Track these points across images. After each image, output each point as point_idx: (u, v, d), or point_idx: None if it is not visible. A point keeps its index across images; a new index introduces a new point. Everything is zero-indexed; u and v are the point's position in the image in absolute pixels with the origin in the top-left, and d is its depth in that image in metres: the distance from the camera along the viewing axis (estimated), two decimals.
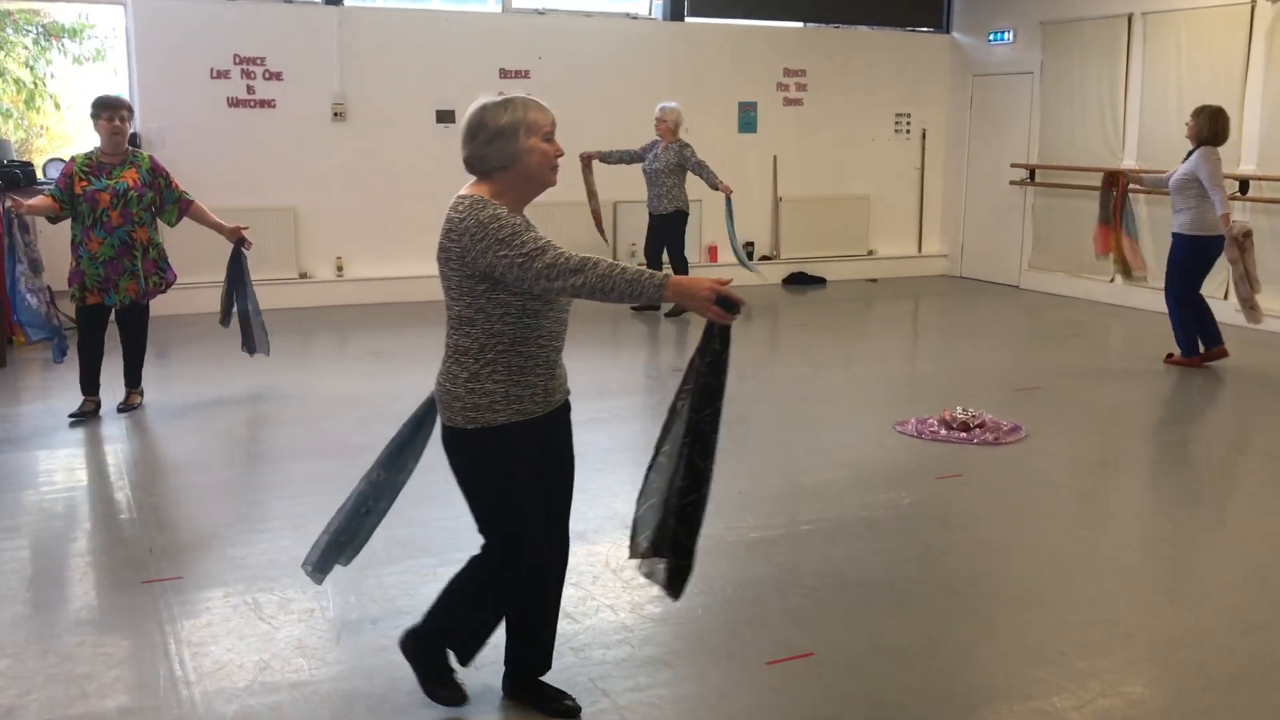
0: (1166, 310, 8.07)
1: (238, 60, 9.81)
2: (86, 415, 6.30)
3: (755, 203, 11.95)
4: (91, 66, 12.74)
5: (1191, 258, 7.78)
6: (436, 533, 4.67)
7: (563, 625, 3.83)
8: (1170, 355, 8.16)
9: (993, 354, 8.79)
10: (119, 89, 10.33)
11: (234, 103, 9.82)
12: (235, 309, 6.94)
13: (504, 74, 10.71)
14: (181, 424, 6.36)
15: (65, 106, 13.08)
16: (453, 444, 3.09)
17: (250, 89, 9.85)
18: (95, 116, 6.17)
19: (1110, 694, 3.44)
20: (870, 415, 6.72)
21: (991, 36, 12.09)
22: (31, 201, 6.07)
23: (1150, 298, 10.42)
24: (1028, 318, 10.50)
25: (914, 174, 12.72)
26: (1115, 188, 8.30)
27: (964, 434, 6.18)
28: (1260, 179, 9.34)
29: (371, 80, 10.25)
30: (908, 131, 12.60)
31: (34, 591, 4.15)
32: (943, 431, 6.24)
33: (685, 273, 9.41)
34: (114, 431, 6.19)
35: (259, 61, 9.89)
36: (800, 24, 12.10)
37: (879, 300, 11.31)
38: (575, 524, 4.75)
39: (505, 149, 2.97)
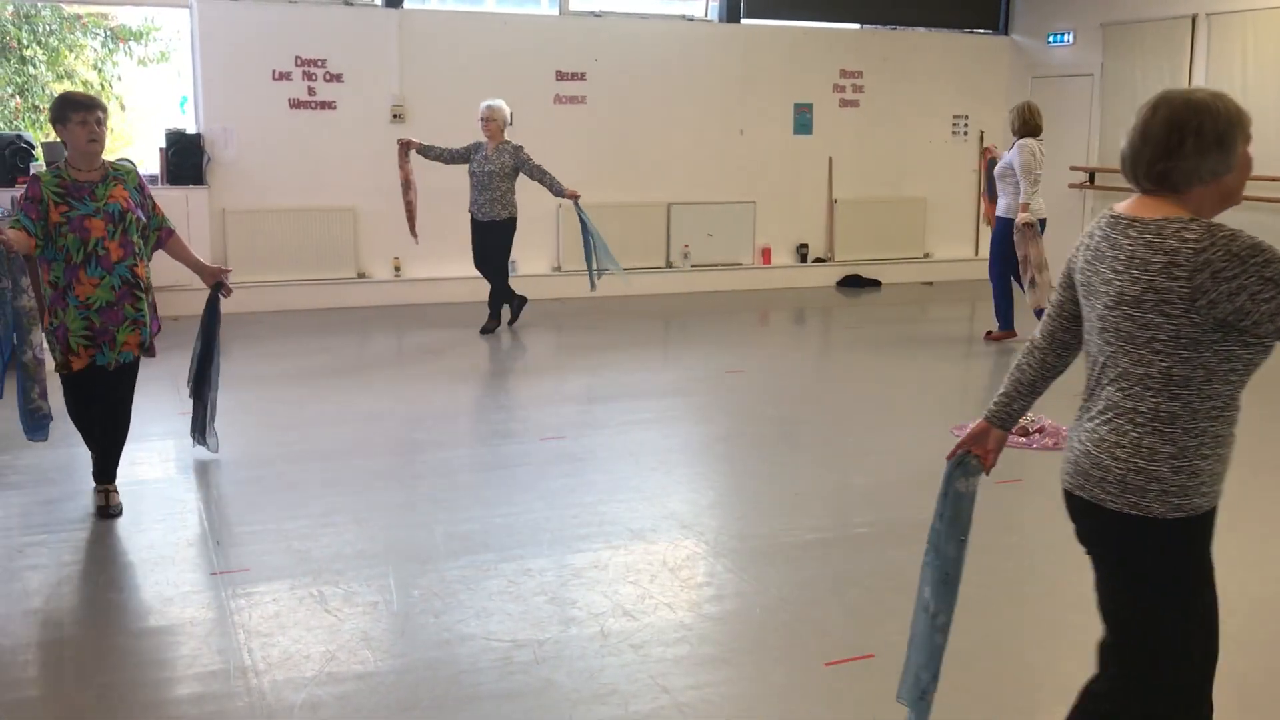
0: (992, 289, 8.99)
1: (299, 62, 9.96)
2: (117, 506, 4.90)
3: (810, 204, 11.92)
4: (156, 68, 13.00)
5: (1006, 238, 8.63)
6: (495, 529, 4.73)
7: (622, 622, 3.88)
8: (989, 333, 9.08)
9: None
10: (183, 90, 10.54)
11: (295, 104, 9.96)
12: (200, 377, 5.50)
13: (560, 76, 10.78)
14: (240, 421, 6.47)
15: (129, 108, 13.35)
16: (1143, 538, 2.42)
17: (311, 90, 9.99)
18: (63, 119, 4.61)
19: None
20: (928, 419, 6.70)
21: (1051, 38, 11.97)
22: (8, 233, 4.46)
23: None
24: None
25: (971, 176, 12.62)
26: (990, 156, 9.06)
27: (1023, 439, 6.13)
28: None
29: (430, 82, 10.36)
30: (965, 133, 12.51)
31: (106, 581, 4.26)
32: None
33: (505, 285, 9.05)
34: (174, 428, 6.32)
35: (320, 64, 10.03)
36: (857, 25, 12.05)
37: (934, 303, 11.24)
38: (632, 522, 4.83)
39: (1225, 159, 2.34)
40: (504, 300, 9.16)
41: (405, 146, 8.83)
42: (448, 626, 3.84)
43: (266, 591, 4.11)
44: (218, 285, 5.27)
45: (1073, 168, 11.69)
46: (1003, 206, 8.67)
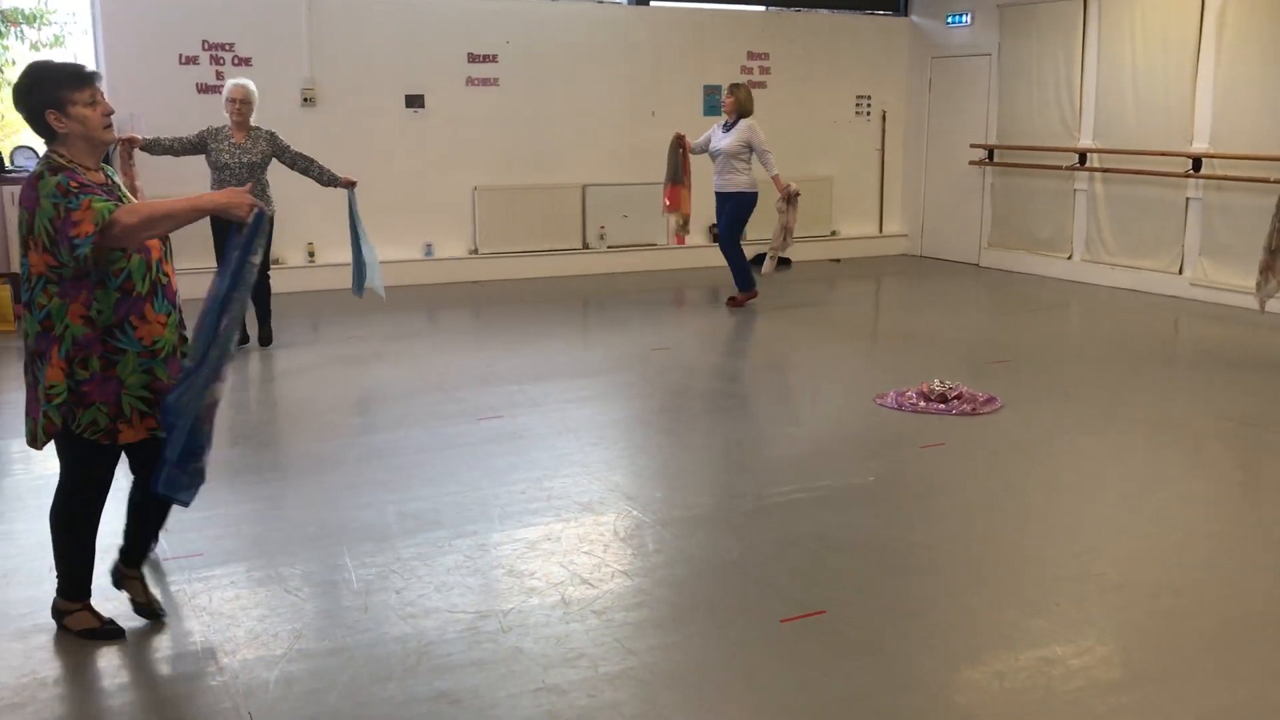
0: (726, 260, 9.56)
1: (207, 46, 9.79)
2: (152, 613, 3.80)
3: None
4: (50, 53, 12.59)
5: (747, 211, 9.41)
6: (446, 507, 4.80)
7: (582, 590, 3.99)
8: (732, 299, 9.59)
9: (960, 329, 9.04)
10: None
11: (203, 89, 9.79)
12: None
13: (473, 58, 10.77)
14: None
15: None
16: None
17: (219, 75, 9.81)
18: (59, 102, 3.38)
19: (1107, 641, 3.65)
20: (850, 390, 6.93)
21: (950, 19, 12.33)
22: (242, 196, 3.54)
23: (1105, 273, 10.75)
24: (990, 294, 10.78)
25: (875, 155, 12.95)
26: (683, 148, 9.41)
27: (942, 405, 6.39)
28: (1212, 156, 9.66)
29: (341, 65, 10.27)
30: (868, 113, 12.82)
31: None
32: (922, 403, 6.45)
33: (267, 298, 7.89)
34: None
35: (228, 47, 9.87)
36: (763, 8, 12.26)
37: (844, 280, 11.53)
38: (579, 496, 4.94)
39: None
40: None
41: (128, 145, 7.53)
42: (410, 601, 3.91)
43: (223, 575, 4.13)
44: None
45: (972, 145, 12.07)
46: (740, 183, 9.31)
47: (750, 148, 9.29)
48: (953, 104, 12.43)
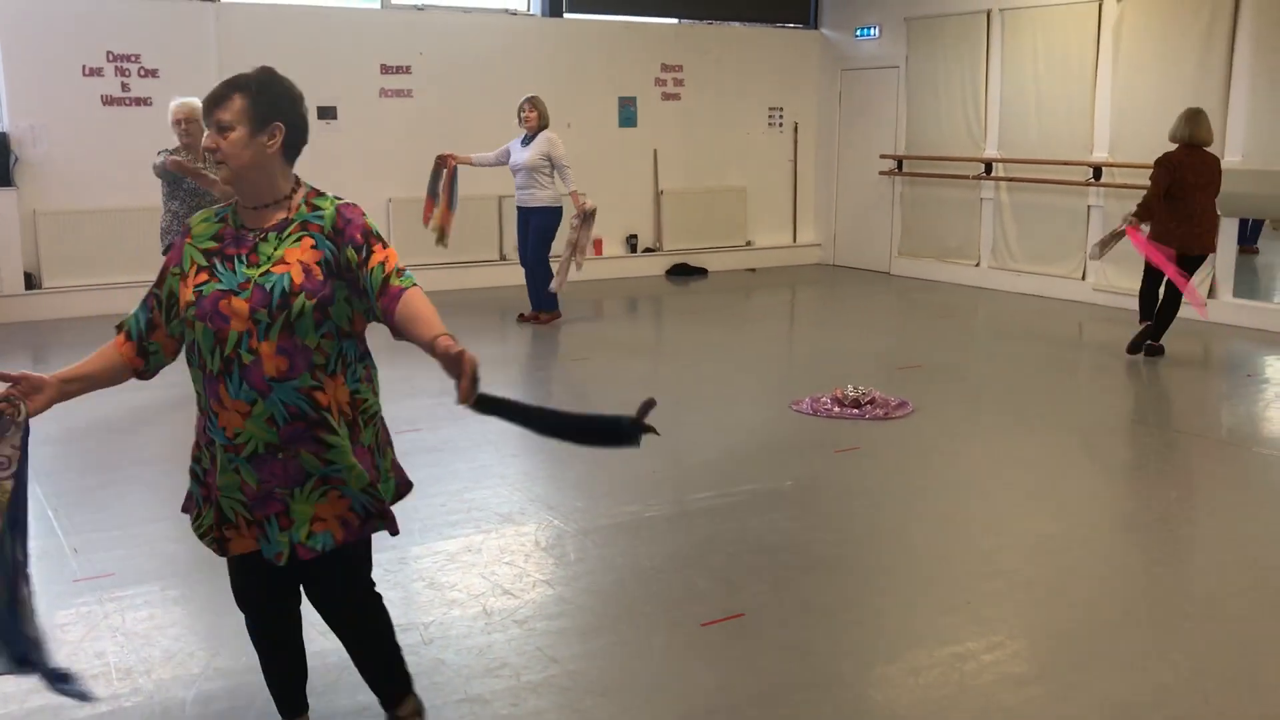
0: (528, 276, 9.31)
1: (111, 57, 9.59)
2: None
3: (638, 195, 12.20)
4: None
5: (553, 226, 9.15)
6: None
7: (503, 601, 4.00)
8: (523, 315, 9.40)
9: (873, 336, 9.22)
10: None
11: (108, 101, 9.59)
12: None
13: (385, 70, 10.71)
14: (80, 428, 6.26)
15: None
16: None
17: (125, 86, 9.63)
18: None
19: (1017, 636, 3.77)
20: (765, 397, 7.03)
21: (859, 32, 12.58)
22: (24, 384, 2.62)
23: (1011, 279, 11.04)
24: (900, 301, 11.00)
25: (787, 166, 13.14)
26: (445, 168, 9.01)
27: (856, 410, 6.52)
28: (1111, 165, 9.99)
29: None
30: (781, 125, 13.01)
31: None
32: (836, 409, 6.56)
33: None
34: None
35: (133, 59, 9.68)
36: (675, 20, 12.38)
37: (759, 289, 11.68)
38: (499, 507, 4.95)
39: None
40: None
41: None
42: None
43: (137, 594, 4.05)
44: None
45: (882, 155, 12.32)
46: (541, 198, 9.00)
47: (550, 161, 8.98)
48: (863, 115, 12.68)
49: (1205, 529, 4.85)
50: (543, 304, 9.28)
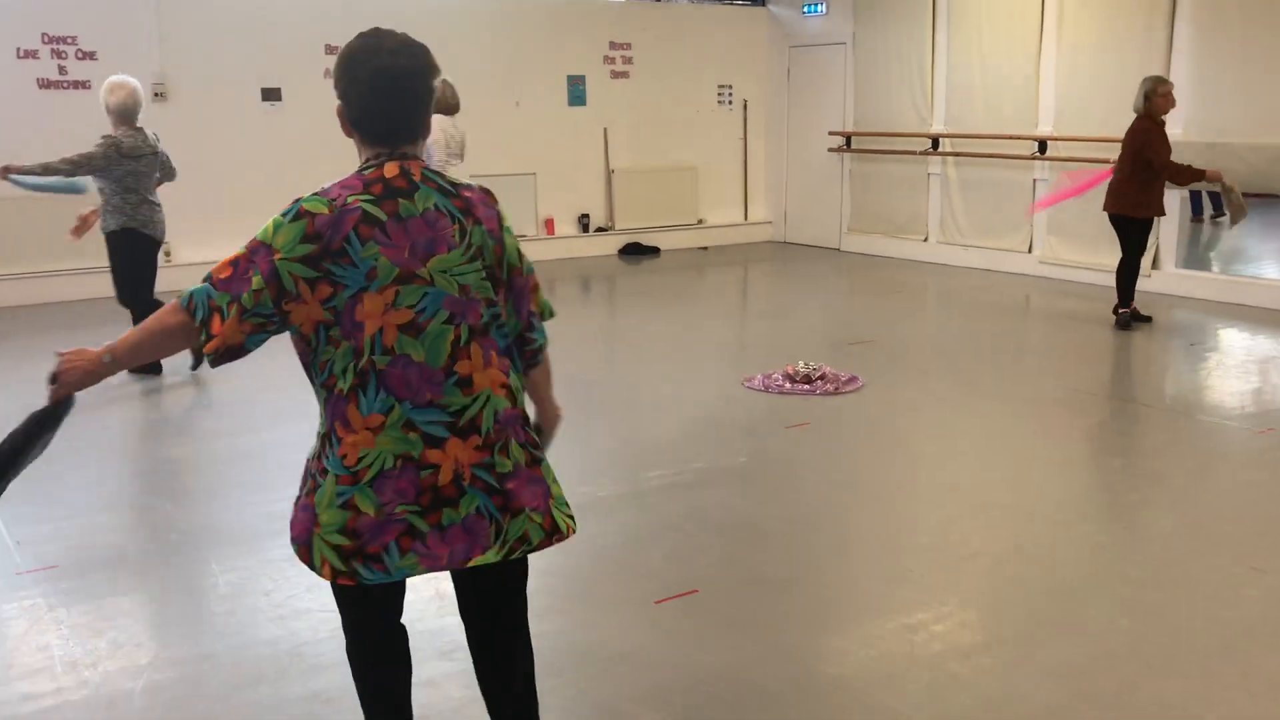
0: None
1: (47, 39, 9.39)
2: None
3: (589, 174, 12.16)
4: None
5: None
6: None
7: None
8: None
9: (823, 312, 9.27)
10: None
11: (45, 84, 9.40)
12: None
13: (330, 50, 10.56)
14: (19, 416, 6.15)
15: None
16: None
17: (62, 70, 9.44)
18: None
19: (966, 606, 3.81)
20: (718, 374, 7.04)
21: (806, 9, 12.59)
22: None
23: (959, 254, 11.13)
24: (851, 278, 11.06)
25: (738, 144, 13.15)
26: None
27: (807, 386, 6.55)
28: (1056, 139, 10.08)
29: (193, 59, 9.97)
30: (730, 102, 13.01)
31: None
32: (787, 385, 6.59)
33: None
34: None
35: (70, 40, 9.48)
36: None
37: (711, 267, 11.69)
38: None
39: None
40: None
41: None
42: (280, 603, 3.84)
43: (82, 586, 3.99)
44: None
45: (831, 132, 12.36)
46: None
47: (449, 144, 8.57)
48: (811, 92, 12.70)
49: (1150, 496, 4.93)
50: None
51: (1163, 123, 7.83)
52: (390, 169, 2.31)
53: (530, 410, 2.58)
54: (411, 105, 2.34)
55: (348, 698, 3.23)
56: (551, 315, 2.65)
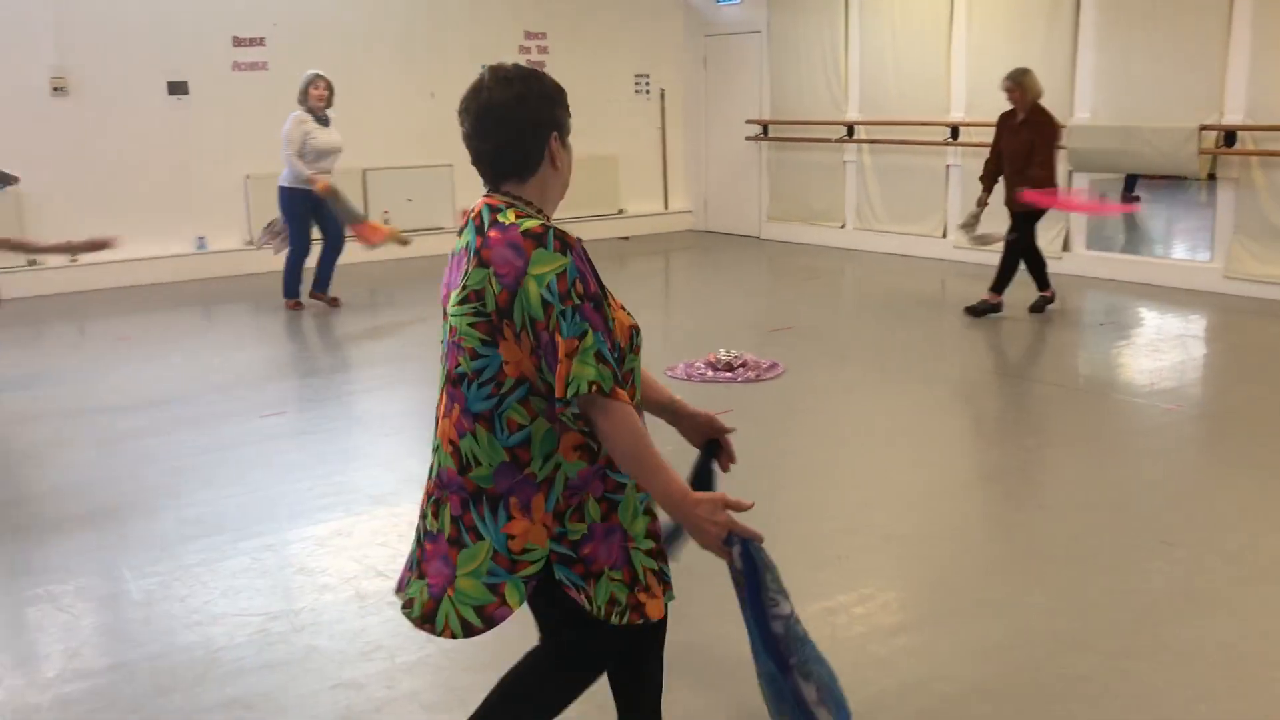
0: (292, 263, 8.76)
1: None
2: None
3: None
4: None
5: (296, 205, 8.54)
6: (229, 510, 4.63)
7: (377, 583, 3.93)
8: (299, 303, 8.86)
9: (744, 300, 9.31)
10: None
11: None
12: None
13: (238, 42, 10.35)
14: None
15: None
16: None
17: None
18: (558, 121, 2.36)
19: (887, 589, 3.86)
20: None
21: None
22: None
23: (876, 240, 11.27)
24: (770, 265, 11.13)
25: (656, 133, 13.14)
26: (328, 189, 8.44)
27: (729, 373, 6.58)
28: (968, 125, 10.23)
29: (95, 51, 9.69)
30: (648, 92, 13.00)
31: None
32: (709, 373, 6.62)
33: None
34: None
35: None
36: None
37: (633, 257, 11.68)
38: (371, 489, 4.86)
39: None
40: None
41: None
42: (195, 609, 3.76)
43: None
44: None
45: (748, 121, 12.41)
46: (284, 176, 8.53)
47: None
48: (728, 81, 12.74)
49: (1064, 474, 5.03)
50: (327, 285, 8.95)
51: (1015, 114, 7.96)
52: (477, 206, 2.25)
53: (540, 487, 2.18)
54: (494, 139, 2.22)
55: (266, 702, 3.17)
56: (581, 392, 2.03)
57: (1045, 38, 9.58)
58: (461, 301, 2.13)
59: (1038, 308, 8.14)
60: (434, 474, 2.25)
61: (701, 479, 2.57)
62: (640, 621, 2.29)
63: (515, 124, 2.20)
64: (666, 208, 13.34)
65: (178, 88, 10.07)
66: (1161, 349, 7.31)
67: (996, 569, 3.99)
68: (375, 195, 11.15)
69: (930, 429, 5.72)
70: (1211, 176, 9.29)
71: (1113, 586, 3.81)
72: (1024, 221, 7.95)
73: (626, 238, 12.66)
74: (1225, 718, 3.04)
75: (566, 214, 12.34)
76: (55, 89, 9.55)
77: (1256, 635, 3.46)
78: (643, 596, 2.30)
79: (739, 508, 2.24)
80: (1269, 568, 3.95)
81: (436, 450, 2.25)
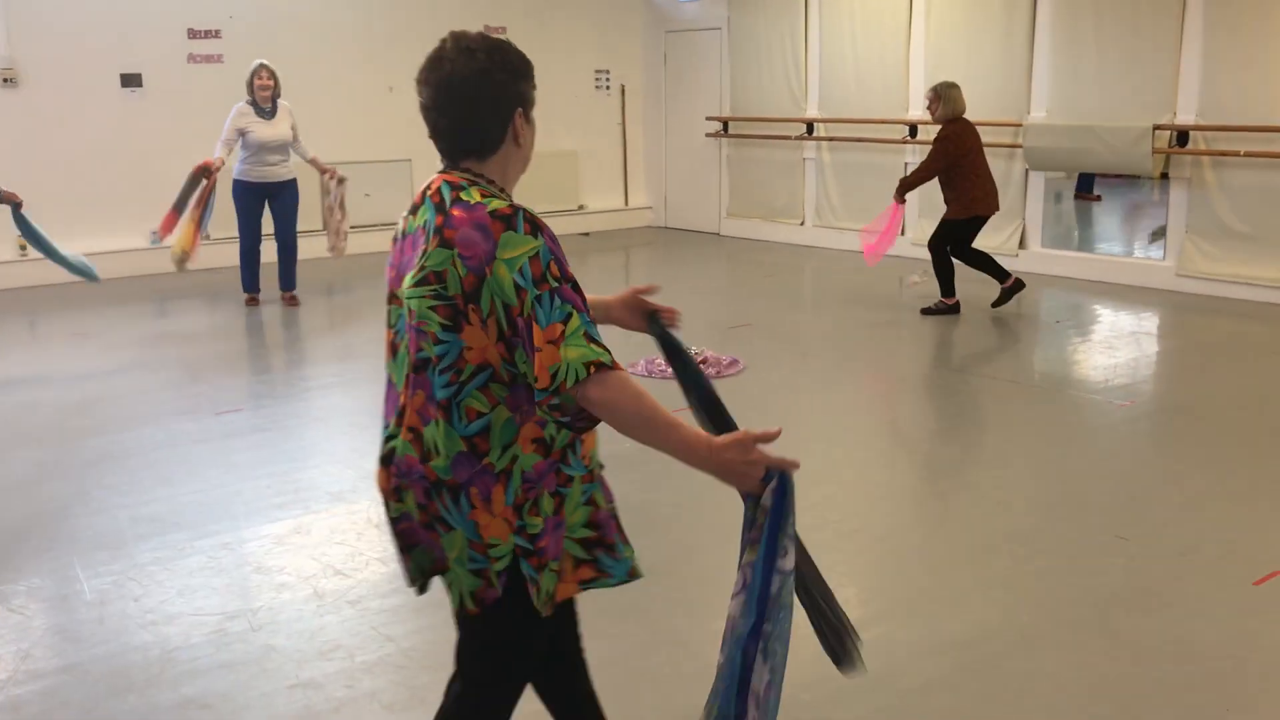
0: (245, 258, 8.73)
1: None
2: None
3: None
4: None
5: (248, 198, 8.53)
6: (185, 508, 4.57)
7: (335, 581, 3.90)
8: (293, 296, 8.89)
9: (704, 297, 9.33)
10: None
11: None
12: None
13: (193, 34, 10.22)
14: None
15: None
16: None
17: None
18: (527, 96, 2.24)
19: (847, 584, 3.87)
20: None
21: None
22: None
23: (835, 237, 11.32)
24: (730, 262, 11.16)
25: (616, 129, 13.13)
26: (208, 179, 8.11)
27: None
28: (927, 123, 10.28)
29: (46, 42, 9.52)
30: (608, 87, 12.98)
31: None
32: (670, 369, 6.61)
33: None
34: None
35: None
36: None
37: (593, 253, 11.66)
38: (330, 486, 4.82)
39: None
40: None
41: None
42: (151, 608, 3.71)
43: None
44: None
45: (708, 117, 12.43)
46: (291, 170, 8.65)
47: (294, 131, 8.58)
48: (688, 77, 12.75)
49: (1021, 469, 5.08)
50: (294, 282, 8.92)
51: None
52: (434, 183, 2.14)
53: (469, 473, 2.09)
54: (455, 115, 2.10)
55: (223, 702, 3.14)
56: (580, 377, 1.94)
57: (1002, 37, 9.67)
58: (419, 283, 2.03)
59: (1006, 297, 8.16)
60: (391, 462, 2.16)
61: (708, 407, 2.43)
62: (551, 614, 2.25)
63: (478, 100, 2.09)
64: (627, 204, 13.33)
65: (131, 80, 9.92)
66: (1116, 346, 7.41)
67: (956, 564, 4.03)
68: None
69: (888, 425, 5.76)
70: (1164, 175, 9.43)
71: (1070, 581, 3.85)
72: (952, 229, 8.05)
73: (586, 234, 12.64)
74: (1180, 710, 3.08)
75: (528, 208, 12.28)
76: (4, 80, 9.38)
77: (1210, 628, 3.51)
78: (561, 585, 2.27)
79: (767, 439, 2.05)
80: (1221, 561, 4.01)
81: (392, 438, 2.16)
